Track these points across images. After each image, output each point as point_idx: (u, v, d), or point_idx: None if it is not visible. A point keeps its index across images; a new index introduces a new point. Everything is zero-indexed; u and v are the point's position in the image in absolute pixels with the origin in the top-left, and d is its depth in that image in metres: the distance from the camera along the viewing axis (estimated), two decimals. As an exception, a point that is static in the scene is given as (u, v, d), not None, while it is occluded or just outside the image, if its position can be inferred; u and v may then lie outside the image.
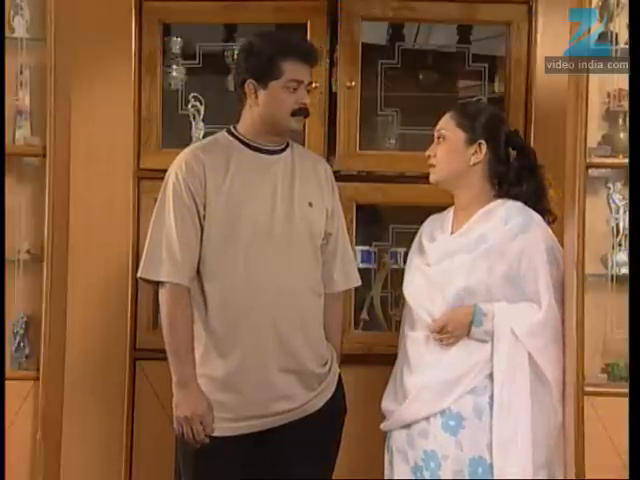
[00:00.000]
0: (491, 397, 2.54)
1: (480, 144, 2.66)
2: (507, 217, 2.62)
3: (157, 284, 2.55)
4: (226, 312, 2.52)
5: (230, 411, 2.52)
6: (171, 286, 2.51)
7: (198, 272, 2.55)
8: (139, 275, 2.57)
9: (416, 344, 2.65)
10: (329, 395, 2.62)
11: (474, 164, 2.66)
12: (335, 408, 2.64)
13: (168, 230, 2.52)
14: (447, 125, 2.69)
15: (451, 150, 2.67)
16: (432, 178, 2.72)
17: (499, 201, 2.67)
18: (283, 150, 2.65)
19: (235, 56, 3.05)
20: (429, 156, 2.71)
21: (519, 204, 2.65)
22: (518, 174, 2.68)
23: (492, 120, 2.70)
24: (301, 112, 2.59)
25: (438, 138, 2.70)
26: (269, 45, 2.56)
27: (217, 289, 2.53)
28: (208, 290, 2.53)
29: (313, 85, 2.77)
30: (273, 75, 2.54)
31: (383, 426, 2.69)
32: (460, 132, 2.67)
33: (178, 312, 2.51)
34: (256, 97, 2.57)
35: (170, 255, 2.51)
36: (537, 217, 2.64)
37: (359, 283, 2.84)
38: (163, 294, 2.53)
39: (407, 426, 2.61)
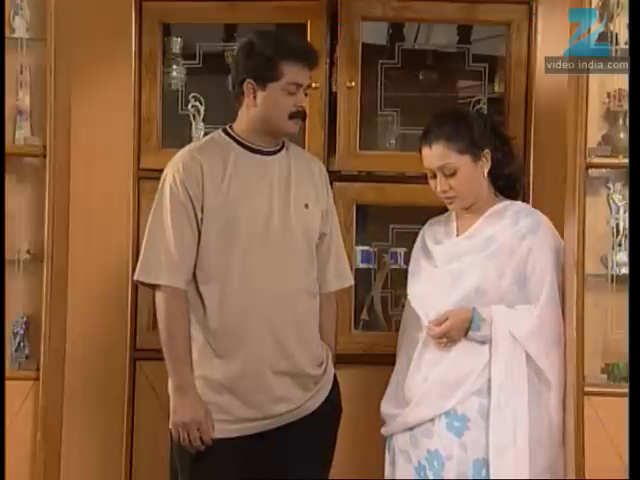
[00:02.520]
0: (495, 399, 2.55)
1: (486, 154, 2.63)
2: (516, 218, 2.62)
3: (154, 287, 2.53)
4: (223, 314, 2.50)
5: (227, 413, 2.50)
6: (168, 289, 2.49)
7: (195, 274, 2.53)
8: (136, 278, 2.55)
9: (420, 346, 2.64)
10: (325, 395, 2.61)
11: (488, 173, 2.65)
12: (331, 408, 2.63)
13: (165, 233, 2.50)
14: (448, 157, 2.60)
15: (467, 178, 2.62)
16: (454, 207, 2.67)
17: (506, 202, 2.68)
18: (279, 151, 2.63)
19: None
20: (443, 191, 2.63)
21: (526, 205, 2.67)
22: (507, 158, 2.68)
23: (476, 125, 2.65)
24: (299, 115, 2.57)
25: (447, 174, 2.61)
26: (270, 46, 2.53)
27: (214, 291, 2.51)
28: (205, 292, 2.51)
29: (313, 86, 2.76)
30: (272, 76, 2.52)
31: (384, 431, 2.67)
32: (463, 156, 2.61)
33: (176, 316, 2.49)
34: (254, 97, 2.55)
35: (167, 258, 2.49)
36: (545, 219, 2.65)
37: (352, 283, 2.83)
38: (160, 297, 2.51)
39: (410, 427, 2.60)
